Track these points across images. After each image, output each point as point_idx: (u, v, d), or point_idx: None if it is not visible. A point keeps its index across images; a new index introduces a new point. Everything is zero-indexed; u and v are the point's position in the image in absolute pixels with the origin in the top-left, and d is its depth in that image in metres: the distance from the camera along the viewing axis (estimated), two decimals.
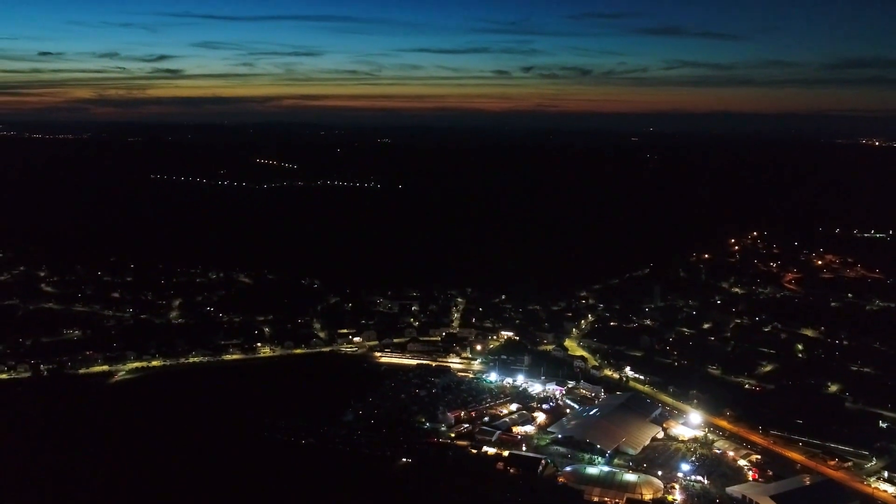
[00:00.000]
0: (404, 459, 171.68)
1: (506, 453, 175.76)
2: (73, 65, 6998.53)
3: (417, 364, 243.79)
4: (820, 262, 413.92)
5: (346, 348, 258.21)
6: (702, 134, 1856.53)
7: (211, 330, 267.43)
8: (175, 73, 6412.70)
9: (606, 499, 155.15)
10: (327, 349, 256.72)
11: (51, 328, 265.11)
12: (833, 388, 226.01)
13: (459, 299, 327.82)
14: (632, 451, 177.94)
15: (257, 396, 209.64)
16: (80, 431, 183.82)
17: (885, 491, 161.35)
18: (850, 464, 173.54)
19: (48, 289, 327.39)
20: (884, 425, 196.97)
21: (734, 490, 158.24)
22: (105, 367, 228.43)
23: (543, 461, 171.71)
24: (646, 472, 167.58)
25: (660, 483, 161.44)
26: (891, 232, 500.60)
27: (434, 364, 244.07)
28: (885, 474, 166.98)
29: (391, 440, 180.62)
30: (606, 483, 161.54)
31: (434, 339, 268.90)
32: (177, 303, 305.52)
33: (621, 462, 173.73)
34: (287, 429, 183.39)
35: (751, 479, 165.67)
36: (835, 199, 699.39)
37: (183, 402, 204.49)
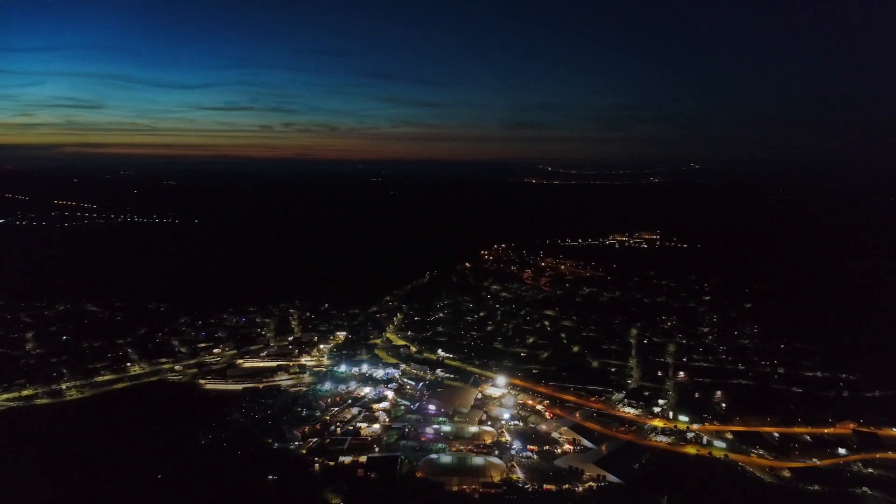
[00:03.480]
0: (271, 476, 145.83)
1: (363, 459, 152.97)
2: None
3: (244, 388, 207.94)
4: (543, 264, 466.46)
5: (172, 377, 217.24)
6: (418, 175, 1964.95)
7: (76, 356, 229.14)
8: None
9: (465, 486, 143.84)
10: (193, 361, 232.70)
11: None
12: (576, 349, 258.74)
13: (291, 310, 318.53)
14: (464, 410, 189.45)
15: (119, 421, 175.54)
16: None
17: (628, 412, 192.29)
18: (603, 398, 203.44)
19: None
20: (613, 370, 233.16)
21: (561, 462, 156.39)
22: None
23: (399, 459, 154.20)
24: (479, 427, 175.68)
25: (503, 464, 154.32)
26: (580, 240, 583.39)
27: (262, 386, 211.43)
28: (625, 401, 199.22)
29: (253, 460, 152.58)
30: (460, 471, 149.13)
31: (283, 343, 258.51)
32: (30, 335, 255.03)
33: (460, 420, 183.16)
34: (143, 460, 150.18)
35: (567, 448, 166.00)
36: (533, 220, 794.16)
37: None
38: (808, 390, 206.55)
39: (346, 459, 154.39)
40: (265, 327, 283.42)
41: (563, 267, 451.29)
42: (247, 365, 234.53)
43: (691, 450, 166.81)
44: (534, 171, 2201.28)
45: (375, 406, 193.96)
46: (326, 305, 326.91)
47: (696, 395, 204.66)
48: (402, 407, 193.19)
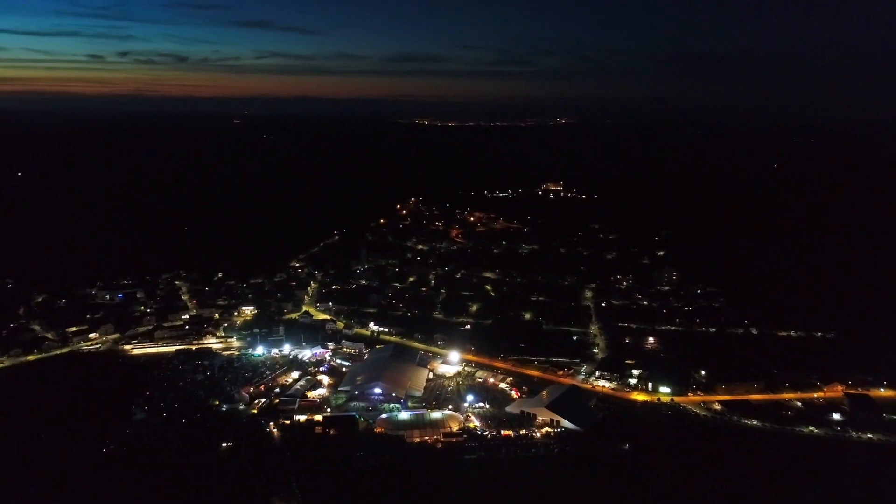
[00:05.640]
0: (224, 444, 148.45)
1: (319, 418, 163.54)
2: None
3: (177, 350, 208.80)
4: (472, 219, 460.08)
5: (87, 346, 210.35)
6: (292, 116, 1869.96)
7: None
8: None
9: (426, 438, 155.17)
10: (66, 350, 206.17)
11: None
12: (527, 315, 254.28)
13: (178, 282, 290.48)
14: (417, 393, 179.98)
15: (16, 413, 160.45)
16: None
17: (603, 386, 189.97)
18: (571, 371, 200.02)
19: None
20: (575, 338, 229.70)
21: (512, 408, 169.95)
22: None
23: (355, 417, 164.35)
24: (438, 408, 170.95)
25: (460, 415, 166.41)
26: (509, 191, 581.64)
27: (194, 348, 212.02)
28: (597, 374, 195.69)
29: (201, 429, 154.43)
30: (420, 424, 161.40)
31: (177, 323, 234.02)
32: None
33: (415, 404, 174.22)
34: (78, 440, 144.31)
35: (515, 396, 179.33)
36: (443, 166, 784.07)
37: None
38: (786, 352, 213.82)
39: (301, 418, 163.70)
40: (149, 304, 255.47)
41: (495, 222, 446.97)
42: (136, 352, 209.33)
43: (639, 397, 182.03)
44: (419, 110, 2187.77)
45: (310, 394, 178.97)
46: (220, 275, 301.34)
47: (675, 364, 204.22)
48: (344, 395, 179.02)
